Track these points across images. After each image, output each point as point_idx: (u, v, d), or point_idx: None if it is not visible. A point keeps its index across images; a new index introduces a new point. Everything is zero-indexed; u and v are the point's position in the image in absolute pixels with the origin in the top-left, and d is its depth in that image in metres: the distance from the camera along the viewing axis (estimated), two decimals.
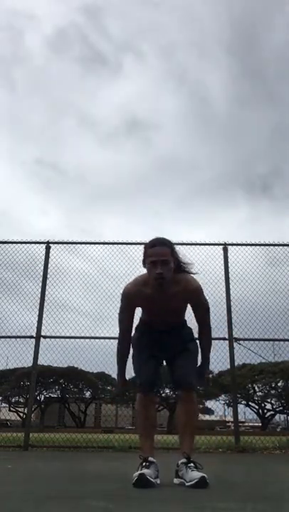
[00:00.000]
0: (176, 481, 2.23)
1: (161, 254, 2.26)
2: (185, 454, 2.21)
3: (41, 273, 5.80)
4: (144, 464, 2.16)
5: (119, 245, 5.93)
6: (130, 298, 2.39)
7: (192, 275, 2.41)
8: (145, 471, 2.07)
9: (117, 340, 2.53)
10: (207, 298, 2.45)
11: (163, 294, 2.30)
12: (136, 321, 2.55)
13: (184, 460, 2.20)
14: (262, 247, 5.90)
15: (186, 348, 2.41)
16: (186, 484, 2.07)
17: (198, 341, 2.48)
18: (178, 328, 2.49)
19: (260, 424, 35.28)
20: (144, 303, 2.40)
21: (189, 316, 2.52)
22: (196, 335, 2.51)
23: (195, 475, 2.04)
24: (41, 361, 5.52)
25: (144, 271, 2.38)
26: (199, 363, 2.46)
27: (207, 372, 2.48)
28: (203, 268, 5.67)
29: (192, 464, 2.14)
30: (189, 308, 2.47)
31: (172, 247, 2.33)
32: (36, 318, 5.53)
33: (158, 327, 2.47)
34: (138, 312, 2.53)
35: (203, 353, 2.47)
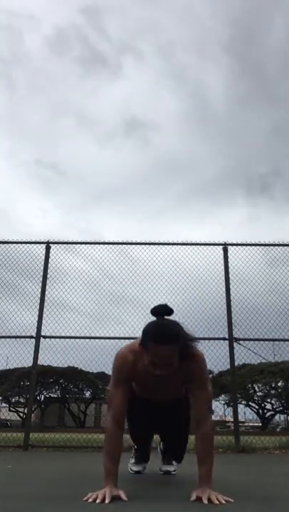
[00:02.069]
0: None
1: (165, 357, 1.73)
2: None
3: (41, 273, 5.80)
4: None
5: (119, 245, 5.94)
6: (124, 371, 1.93)
7: (197, 354, 1.89)
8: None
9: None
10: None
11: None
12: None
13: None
14: (262, 247, 5.90)
15: (179, 427, 2.39)
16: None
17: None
18: (175, 406, 2.27)
19: (260, 424, 35.30)
20: (138, 379, 2.00)
21: None
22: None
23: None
24: (41, 361, 5.53)
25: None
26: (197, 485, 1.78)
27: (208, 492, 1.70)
28: (203, 268, 5.69)
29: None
30: None
31: (180, 340, 1.75)
32: (36, 318, 5.53)
33: (152, 400, 2.22)
34: None
35: (200, 469, 1.78)
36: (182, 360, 1.78)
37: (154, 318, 1.82)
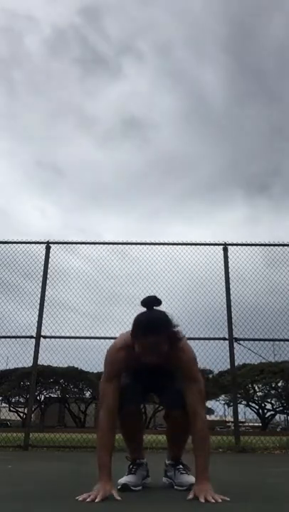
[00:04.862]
0: (164, 480, 2.20)
1: (154, 346, 1.78)
2: (173, 456, 2.17)
3: (41, 273, 5.80)
4: (131, 467, 2.11)
5: (119, 245, 5.94)
6: (116, 366, 1.94)
7: (185, 343, 1.94)
8: (129, 479, 2.00)
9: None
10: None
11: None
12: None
13: (171, 462, 2.16)
14: (262, 247, 5.90)
15: (174, 378, 2.07)
16: (175, 487, 2.04)
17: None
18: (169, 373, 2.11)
19: (260, 424, 35.31)
20: (130, 369, 2.01)
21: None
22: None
23: (185, 481, 2.00)
24: (41, 361, 5.53)
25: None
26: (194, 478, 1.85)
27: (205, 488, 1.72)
28: (203, 268, 5.68)
29: (181, 466, 2.10)
30: None
31: (168, 328, 1.82)
32: (36, 318, 5.53)
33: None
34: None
35: (197, 462, 1.79)
36: (172, 349, 1.84)
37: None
